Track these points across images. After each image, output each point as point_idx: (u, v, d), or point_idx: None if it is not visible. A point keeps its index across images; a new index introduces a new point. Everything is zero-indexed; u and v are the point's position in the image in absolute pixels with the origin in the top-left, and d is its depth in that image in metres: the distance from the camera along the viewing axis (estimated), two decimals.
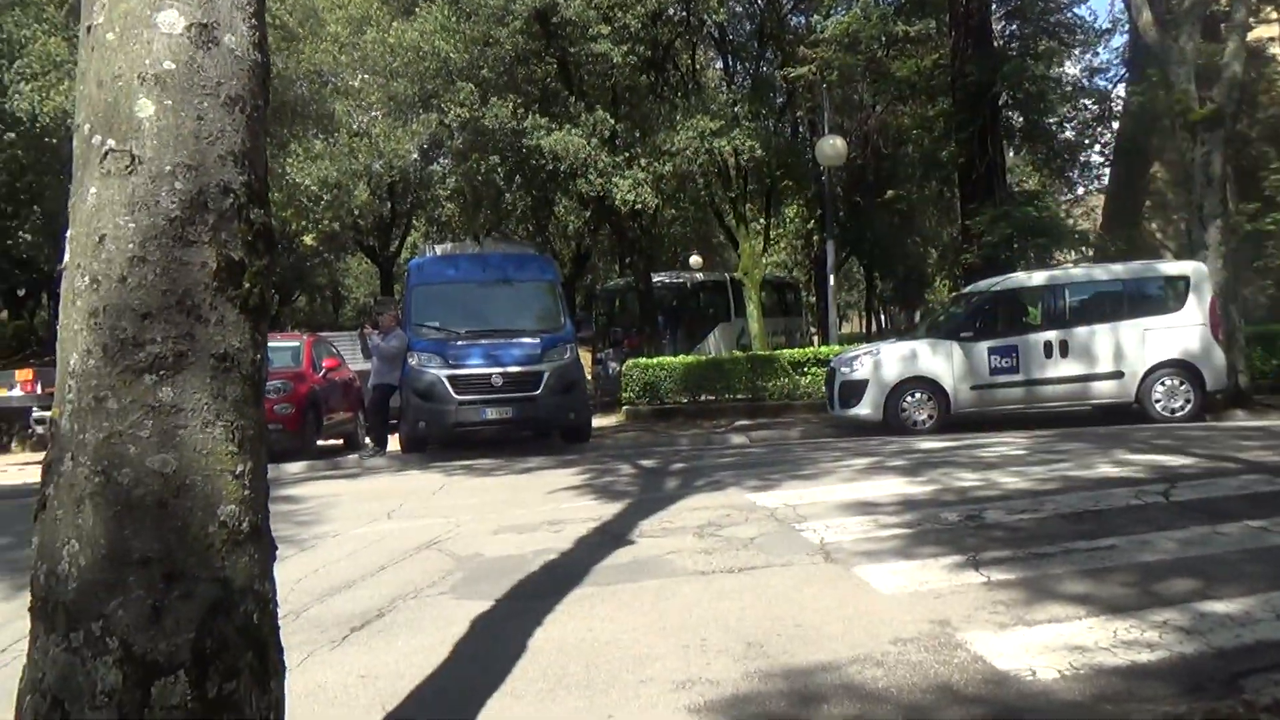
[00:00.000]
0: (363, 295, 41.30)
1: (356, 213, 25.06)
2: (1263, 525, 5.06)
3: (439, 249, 13.37)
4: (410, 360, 11.01)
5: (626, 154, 15.48)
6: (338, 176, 19.30)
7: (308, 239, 27.11)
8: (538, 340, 11.24)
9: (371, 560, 5.50)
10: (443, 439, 11.50)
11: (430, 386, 10.72)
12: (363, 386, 13.10)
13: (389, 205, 28.80)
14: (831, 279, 17.80)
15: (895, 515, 5.88)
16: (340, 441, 13.95)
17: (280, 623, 4.33)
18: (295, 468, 10.57)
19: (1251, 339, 13.21)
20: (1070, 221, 20.67)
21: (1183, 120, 12.78)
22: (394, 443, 11.81)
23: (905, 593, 4.29)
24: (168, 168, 2.04)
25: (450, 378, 10.73)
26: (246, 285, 2.15)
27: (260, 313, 2.19)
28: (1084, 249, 19.92)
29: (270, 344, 10.69)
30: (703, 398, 14.79)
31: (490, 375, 10.76)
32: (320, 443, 12.63)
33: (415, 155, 22.93)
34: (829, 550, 5.12)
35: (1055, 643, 3.55)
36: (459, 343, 11.12)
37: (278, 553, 2.28)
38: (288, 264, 31.14)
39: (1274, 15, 17.17)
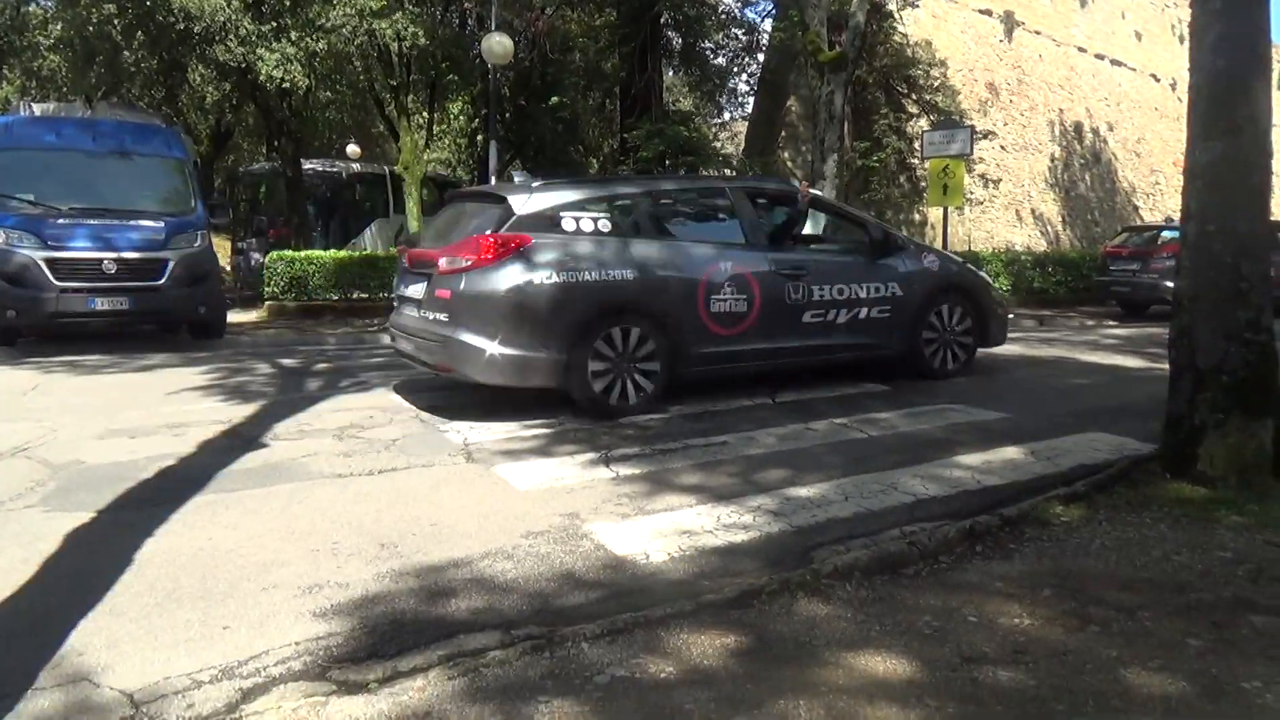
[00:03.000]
0: None
1: None
2: (844, 422, 5.91)
3: (38, 108, 11.35)
4: None
5: (275, 24, 14.04)
6: None
7: None
8: (162, 224, 10.01)
9: None
10: (40, 331, 9.99)
11: (22, 270, 9.19)
12: None
13: None
14: (494, 180, 17.67)
15: (540, 417, 6.09)
16: None
17: None
18: None
19: None
20: (717, 144, 22.18)
21: (813, 60, 14.13)
22: None
23: (540, 489, 4.49)
24: None
25: (49, 260, 9.26)
26: None
27: None
28: (727, 170, 21.53)
29: None
30: (355, 295, 14.17)
31: (101, 260, 9.44)
32: None
33: None
34: (471, 451, 5.20)
35: (668, 529, 3.91)
36: (60, 220, 9.58)
37: None
38: None
39: None
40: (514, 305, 5.78)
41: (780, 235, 7.17)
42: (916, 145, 19.38)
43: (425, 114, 21.71)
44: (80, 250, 9.44)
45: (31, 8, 18.48)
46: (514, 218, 5.97)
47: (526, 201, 6.08)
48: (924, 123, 20.47)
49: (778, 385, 7.16)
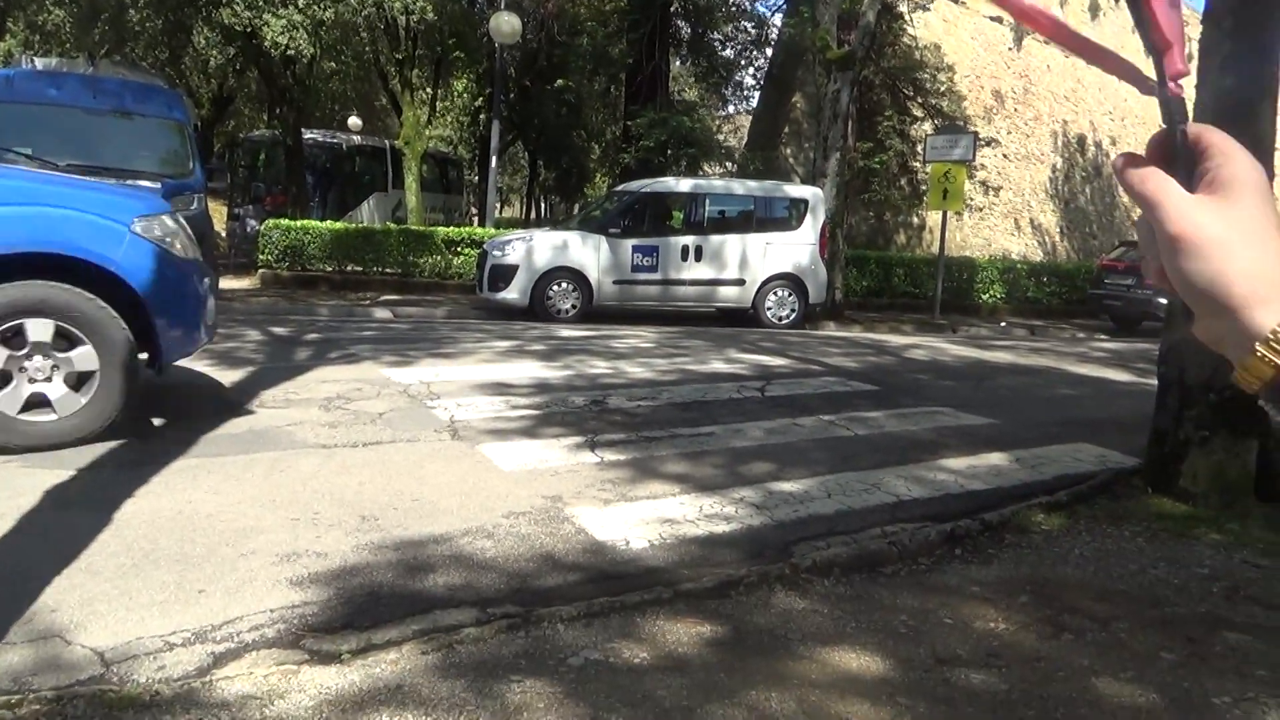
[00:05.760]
0: None
1: None
2: (831, 419, 5.92)
3: (40, 63, 11.25)
4: None
5: None
6: None
7: None
8: (159, 185, 9.94)
9: None
10: None
11: None
12: None
13: None
14: (495, 160, 17.55)
15: (527, 397, 6.08)
16: None
17: None
18: None
19: (849, 261, 15.24)
20: (720, 136, 22.11)
21: (821, 57, 14.08)
22: None
23: (524, 470, 4.48)
24: None
25: None
26: None
27: None
28: (728, 164, 21.49)
29: None
30: (349, 268, 14.10)
31: None
32: None
33: None
34: (457, 428, 5.19)
35: (651, 517, 3.91)
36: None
37: None
38: None
39: None
40: None
41: None
42: (919, 149, 19.36)
43: (429, 90, 21.57)
44: None
45: None
46: None
47: None
48: (928, 126, 20.44)
49: (768, 379, 7.16)
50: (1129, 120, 28.37)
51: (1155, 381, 4.57)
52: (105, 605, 2.83)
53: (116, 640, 2.62)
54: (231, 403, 5.49)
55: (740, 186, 13.55)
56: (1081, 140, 27.34)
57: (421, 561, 3.30)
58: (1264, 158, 4.19)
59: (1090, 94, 27.46)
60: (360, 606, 2.91)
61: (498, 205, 21.13)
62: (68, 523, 3.47)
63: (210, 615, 2.80)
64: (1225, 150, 0.59)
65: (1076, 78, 27.09)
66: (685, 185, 12.90)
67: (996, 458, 5.19)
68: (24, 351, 4.29)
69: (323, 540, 3.44)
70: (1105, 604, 3.16)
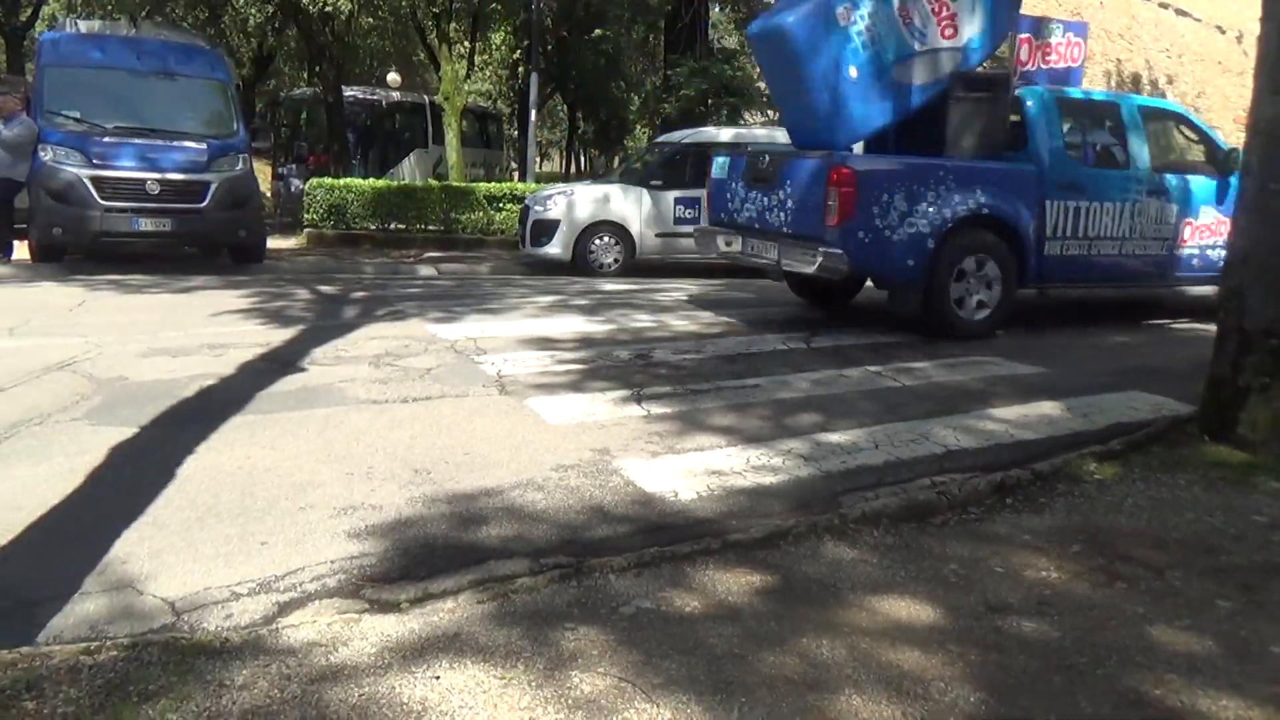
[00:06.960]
0: None
1: None
2: (878, 370, 5.87)
3: (83, 25, 11.40)
4: (43, 154, 9.44)
5: None
6: None
7: None
8: (204, 146, 10.06)
9: None
10: (85, 249, 10.14)
11: (68, 187, 9.30)
12: None
13: None
14: (534, 114, 17.49)
15: (572, 352, 6.12)
16: None
17: None
18: None
19: None
20: (761, 85, 21.72)
21: None
22: (22, 250, 10.24)
23: (572, 424, 4.52)
24: None
25: (94, 179, 9.36)
26: None
27: None
28: (770, 113, 21.14)
29: None
30: (392, 226, 14.20)
31: (145, 180, 9.53)
32: None
33: None
34: (504, 383, 5.25)
35: (698, 468, 3.94)
36: (105, 139, 9.66)
37: None
38: None
39: None
40: None
41: None
42: None
43: (467, 43, 21.44)
44: (125, 170, 9.53)
45: None
46: None
47: None
48: None
49: (812, 330, 7.12)
50: (1186, 57, 27.33)
51: (1213, 328, 4.45)
52: (173, 557, 2.93)
53: (185, 590, 2.73)
54: (284, 360, 5.60)
55: (783, 135, 13.33)
56: (1136, 79, 26.39)
57: (474, 513, 3.37)
58: None
59: (1145, 30, 26.46)
60: (417, 557, 2.99)
61: (537, 159, 21.04)
62: (133, 478, 3.59)
63: (273, 566, 2.89)
64: None
65: (1131, 14, 26.11)
66: (727, 135, 12.71)
67: (1048, 407, 5.12)
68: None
69: (377, 493, 3.52)
70: (1160, 552, 3.13)
